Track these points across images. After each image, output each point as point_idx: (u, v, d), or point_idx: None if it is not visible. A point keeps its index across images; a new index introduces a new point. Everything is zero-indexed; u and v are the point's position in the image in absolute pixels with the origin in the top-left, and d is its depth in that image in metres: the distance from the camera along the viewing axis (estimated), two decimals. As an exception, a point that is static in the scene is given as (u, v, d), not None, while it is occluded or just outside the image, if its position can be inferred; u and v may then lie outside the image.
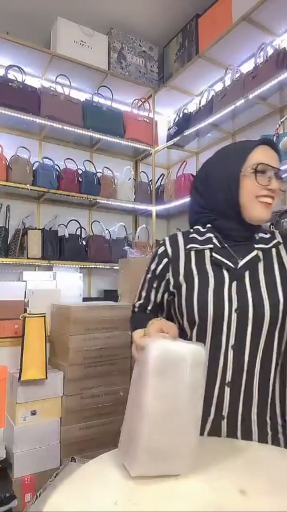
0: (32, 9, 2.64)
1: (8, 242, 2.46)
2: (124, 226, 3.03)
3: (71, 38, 2.66)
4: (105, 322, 1.93)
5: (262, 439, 0.89)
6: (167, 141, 2.87)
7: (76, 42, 2.68)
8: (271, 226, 1.86)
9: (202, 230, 0.96)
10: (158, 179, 3.02)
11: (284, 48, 2.01)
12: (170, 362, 0.69)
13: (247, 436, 0.88)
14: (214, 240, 0.93)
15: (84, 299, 2.55)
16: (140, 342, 0.76)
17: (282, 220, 1.82)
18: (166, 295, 0.99)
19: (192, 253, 0.94)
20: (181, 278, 0.93)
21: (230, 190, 0.91)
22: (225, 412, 0.88)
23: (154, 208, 2.92)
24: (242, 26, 2.15)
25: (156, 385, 0.68)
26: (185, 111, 2.77)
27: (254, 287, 0.88)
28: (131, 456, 0.69)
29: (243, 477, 0.69)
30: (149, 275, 1.01)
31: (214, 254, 0.91)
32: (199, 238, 0.95)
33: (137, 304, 1.05)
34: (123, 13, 2.77)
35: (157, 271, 0.98)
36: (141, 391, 0.69)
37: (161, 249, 0.99)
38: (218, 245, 0.92)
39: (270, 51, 2.09)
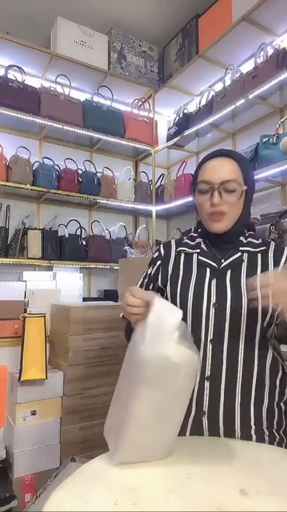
0: (32, 9, 2.64)
1: (8, 242, 2.46)
2: (124, 226, 3.03)
3: (71, 38, 2.66)
4: (105, 322, 1.93)
5: (245, 435, 0.88)
6: (167, 141, 2.87)
7: (76, 42, 2.67)
8: (271, 226, 1.86)
9: (194, 235, 1.06)
10: (158, 179, 3.02)
11: (284, 48, 2.01)
12: (164, 371, 0.69)
13: (229, 432, 0.88)
14: (202, 245, 1.02)
15: (84, 299, 2.55)
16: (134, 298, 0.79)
17: (282, 220, 1.82)
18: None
19: (182, 255, 1.03)
20: (168, 276, 1.02)
21: (194, 204, 1.03)
22: (205, 408, 0.89)
23: (154, 208, 2.92)
24: (242, 26, 2.15)
25: (146, 393, 0.70)
26: (185, 111, 2.77)
27: (233, 285, 0.93)
28: (117, 448, 0.73)
29: (243, 477, 0.69)
30: (146, 280, 1.08)
31: (199, 257, 1.00)
32: (191, 243, 1.04)
33: None
34: (123, 13, 2.77)
35: (152, 274, 1.06)
36: (130, 396, 0.71)
37: (156, 254, 1.09)
38: (205, 249, 1.01)
39: (270, 51, 2.09)
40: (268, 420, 0.91)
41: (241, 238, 1.00)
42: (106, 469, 0.74)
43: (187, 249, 1.02)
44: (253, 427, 0.89)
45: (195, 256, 1.00)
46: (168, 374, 0.69)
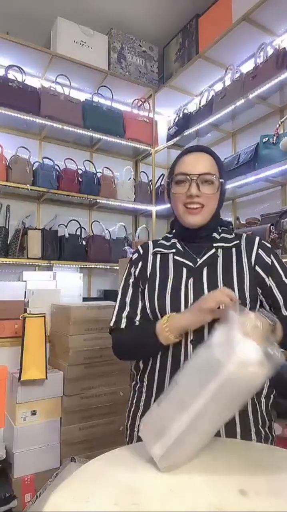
0: (32, 9, 2.64)
1: (8, 242, 2.46)
2: (124, 226, 3.03)
3: (71, 38, 2.66)
4: (105, 322, 1.92)
5: (231, 434, 0.88)
6: (167, 141, 2.87)
7: (76, 42, 2.67)
8: (271, 226, 1.86)
9: (169, 236, 1.07)
10: (158, 179, 3.02)
11: (284, 48, 2.01)
12: (243, 380, 0.67)
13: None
14: (177, 245, 1.02)
15: (84, 299, 2.55)
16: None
17: (282, 220, 1.82)
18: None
19: (158, 256, 1.03)
20: (147, 277, 1.01)
21: (169, 199, 1.04)
22: None
23: (154, 208, 2.92)
24: (242, 26, 2.15)
25: (218, 394, 0.67)
26: (185, 111, 2.77)
27: (210, 282, 0.93)
28: (164, 453, 0.70)
29: (243, 477, 0.69)
30: (131, 279, 1.05)
31: (175, 257, 1.00)
32: (166, 243, 1.05)
33: (124, 315, 1.01)
34: (123, 13, 2.77)
35: (137, 274, 1.04)
36: (195, 395, 0.68)
37: (135, 255, 1.08)
38: (181, 249, 1.02)
39: (270, 51, 2.09)
40: (254, 415, 0.91)
41: (215, 234, 1.01)
42: (106, 469, 0.73)
43: (162, 250, 1.03)
44: (239, 424, 0.89)
45: (171, 256, 1.01)
46: (244, 383, 0.67)
